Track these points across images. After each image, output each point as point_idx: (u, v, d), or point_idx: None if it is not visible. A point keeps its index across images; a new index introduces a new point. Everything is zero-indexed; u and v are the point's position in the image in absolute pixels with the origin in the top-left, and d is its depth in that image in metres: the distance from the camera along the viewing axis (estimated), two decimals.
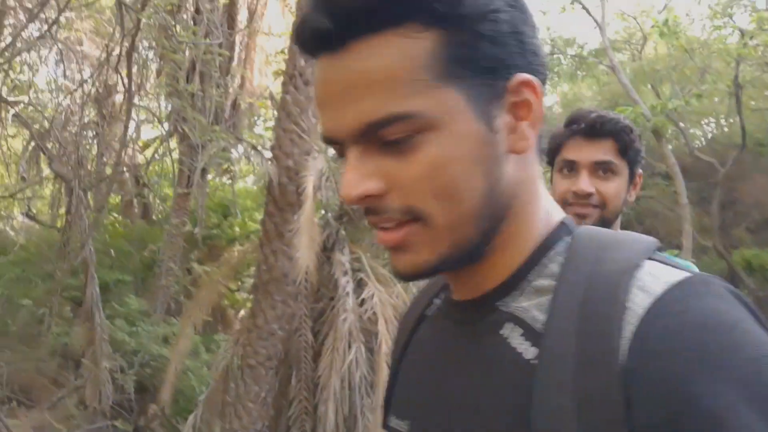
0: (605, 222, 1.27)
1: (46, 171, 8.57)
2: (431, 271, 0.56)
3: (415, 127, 0.50)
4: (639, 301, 0.48)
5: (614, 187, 1.28)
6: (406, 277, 0.57)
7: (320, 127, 0.57)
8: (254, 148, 6.99)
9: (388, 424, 0.68)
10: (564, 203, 1.27)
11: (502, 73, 0.53)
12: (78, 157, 7.32)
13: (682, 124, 9.09)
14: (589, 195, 1.26)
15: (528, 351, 0.52)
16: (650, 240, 0.57)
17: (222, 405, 4.79)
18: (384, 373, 4.20)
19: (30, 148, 8.20)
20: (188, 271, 7.89)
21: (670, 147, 7.80)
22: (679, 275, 0.50)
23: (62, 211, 8.74)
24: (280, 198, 4.93)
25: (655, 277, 0.49)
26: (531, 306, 0.54)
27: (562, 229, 0.59)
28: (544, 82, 0.56)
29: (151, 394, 6.08)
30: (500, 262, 0.57)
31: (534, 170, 0.59)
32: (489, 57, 0.52)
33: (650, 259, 0.53)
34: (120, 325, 6.09)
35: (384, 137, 0.51)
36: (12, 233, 8.69)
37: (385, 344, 4.26)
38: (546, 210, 0.60)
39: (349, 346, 4.38)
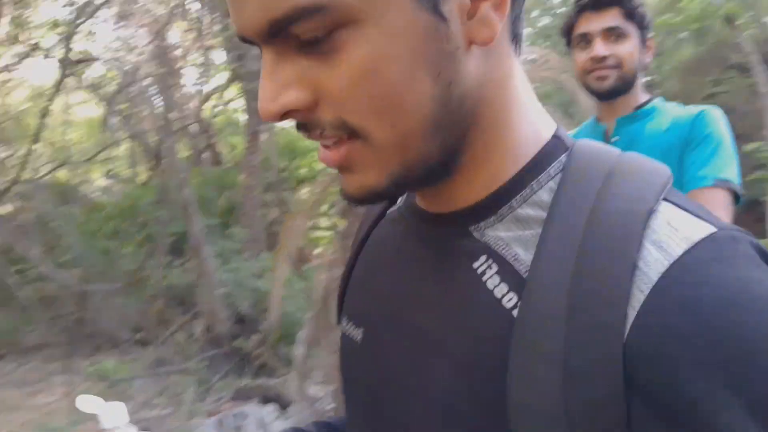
0: (625, 80, 1.45)
1: (117, 133, 8.94)
2: (386, 194, 0.47)
3: (332, 21, 0.40)
4: (653, 261, 0.39)
5: (626, 48, 1.43)
6: (356, 200, 0.48)
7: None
8: None
9: (342, 324, 0.62)
10: (585, 73, 1.46)
11: None
12: (152, 113, 7.65)
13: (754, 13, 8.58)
14: (604, 58, 1.42)
15: (507, 298, 0.44)
16: (665, 171, 0.46)
17: (325, 324, 5.11)
18: None
19: (103, 111, 8.55)
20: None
21: (744, 35, 7.41)
22: (702, 229, 0.41)
23: (139, 168, 9.21)
24: None
25: (674, 230, 0.41)
26: (512, 239, 0.46)
27: (555, 144, 0.49)
28: None
29: (253, 324, 6.51)
30: (476, 179, 0.49)
31: (509, 66, 0.48)
32: None
33: (666, 199, 0.43)
34: (217, 264, 6.49)
35: (298, 36, 0.41)
36: (95, 195, 9.17)
37: None
38: (532, 119, 0.50)
39: None
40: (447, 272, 0.50)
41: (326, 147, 0.46)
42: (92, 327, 6.85)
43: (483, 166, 0.48)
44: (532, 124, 0.50)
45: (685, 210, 0.43)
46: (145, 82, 8.20)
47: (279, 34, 0.41)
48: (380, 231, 0.62)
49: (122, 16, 7.79)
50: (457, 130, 0.46)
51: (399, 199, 0.61)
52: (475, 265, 0.47)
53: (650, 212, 0.41)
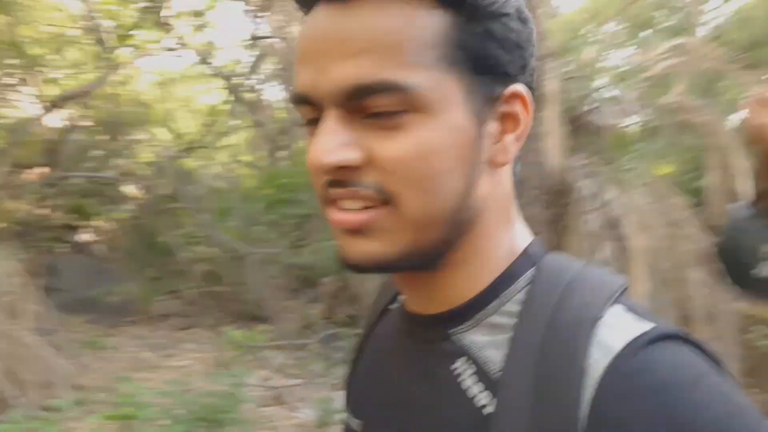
0: None
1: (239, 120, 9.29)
2: (386, 266, 0.51)
3: (407, 102, 0.47)
4: (596, 360, 0.45)
5: None
6: (357, 267, 0.51)
7: (296, 83, 0.50)
8: None
9: (346, 413, 0.68)
10: None
11: (501, 79, 0.51)
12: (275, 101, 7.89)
13: None
14: None
15: (480, 397, 0.50)
16: (618, 280, 0.52)
17: None
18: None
19: (228, 100, 8.89)
20: None
21: None
22: (639, 327, 0.46)
23: (260, 154, 9.49)
24: None
25: (614, 330, 0.46)
26: (486, 343, 0.52)
27: (525, 260, 0.55)
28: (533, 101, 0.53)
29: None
30: (458, 283, 0.55)
31: (507, 188, 0.56)
32: (494, 58, 0.50)
33: (616, 302, 0.49)
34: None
35: (370, 107, 0.47)
36: (215, 181, 9.53)
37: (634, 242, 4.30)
38: (513, 234, 0.57)
39: (593, 248, 4.47)
40: (429, 373, 0.55)
41: (346, 211, 0.50)
42: (221, 299, 7.17)
43: (465, 268, 0.54)
44: (510, 238, 0.56)
45: (631, 312, 0.48)
46: (270, 71, 8.47)
47: (353, 100, 0.47)
48: (383, 326, 0.68)
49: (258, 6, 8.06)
50: (460, 229, 0.52)
51: (399, 296, 0.65)
52: (452, 366, 0.53)
53: (596, 319, 0.47)
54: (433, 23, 0.47)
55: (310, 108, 0.50)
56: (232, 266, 7.11)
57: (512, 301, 0.53)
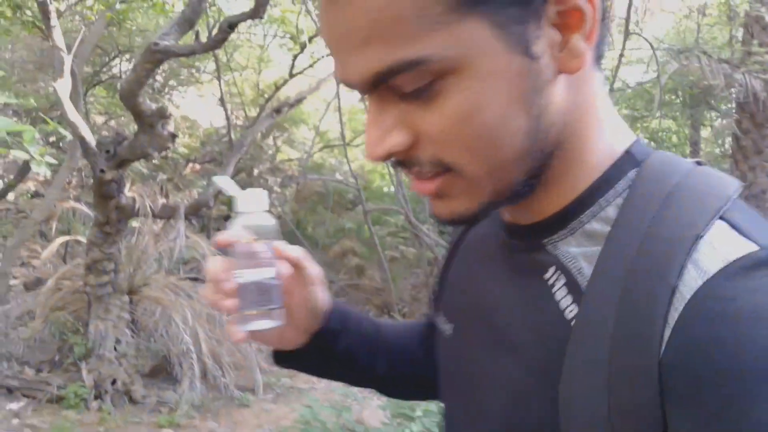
0: None
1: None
2: (474, 218, 0.51)
3: (431, 72, 0.43)
4: (690, 281, 0.41)
5: None
6: (447, 223, 0.52)
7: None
8: None
9: (437, 318, 0.67)
10: None
11: None
12: None
13: None
14: None
15: (569, 309, 0.48)
16: (729, 187, 0.46)
17: None
18: None
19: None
20: None
21: None
22: (742, 247, 0.42)
23: None
24: (759, 113, 5.03)
25: (714, 250, 0.42)
26: (579, 254, 0.49)
27: (626, 161, 0.51)
28: None
29: None
30: (554, 194, 0.51)
31: (592, 88, 0.50)
32: None
33: (723, 218, 0.44)
34: None
35: (399, 88, 0.44)
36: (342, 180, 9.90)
37: None
38: (609, 136, 0.51)
39: None
40: (523, 282, 0.53)
41: (419, 179, 0.49)
42: (367, 291, 7.50)
43: (560, 181, 0.50)
44: (607, 140, 0.51)
45: (737, 229, 0.43)
46: None
47: (381, 85, 0.44)
48: (474, 235, 0.66)
49: None
50: (542, 156, 0.48)
51: None
52: (546, 276, 0.50)
53: (697, 237, 0.42)
54: None
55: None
56: (376, 261, 7.39)
57: (611, 206, 0.49)
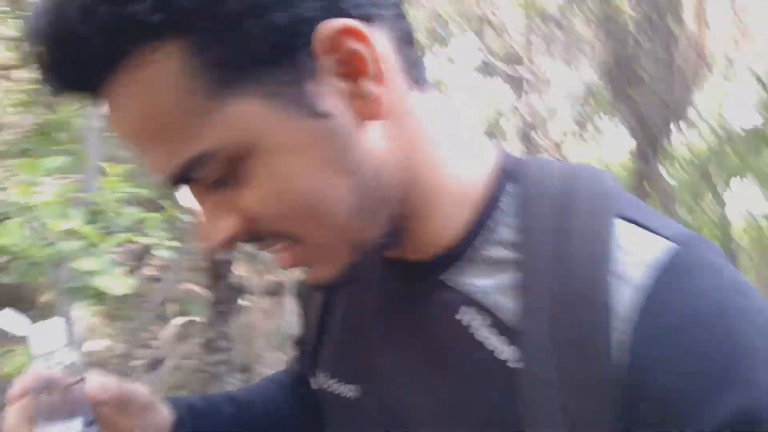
0: None
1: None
2: (348, 279, 0.49)
3: (225, 162, 0.41)
4: (621, 297, 0.40)
5: None
6: (323, 286, 0.52)
7: None
8: None
9: (321, 380, 0.62)
10: None
11: (294, 42, 0.40)
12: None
13: None
14: None
15: (502, 350, 0.45)
16: (607, 181, 0.47)
17: None
18: None
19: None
20: None
21: None
22: (653, 245, 0.42)
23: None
24: None
25: (630, 255, 0.42)
26: (489, 287, 0.47)
27: (500, 177, 0.49)
28: (368, 18, 0.42)
29: None
30: (432, 228, 0.49)
31: (414, 119, 0.46)
32: (258, 35, 0.39)
33: (618, 216, 0.44)
34: None
35: (205, 180, 0.43)
36: None
37: None
38: (466, 156, 0.49)
39: None
40: (433, 328, 0.50)
41: (274, 253, 0.47)
42: None
43: (433, 214, 0.49)
44: (467, 161, 0.49)
45: (637, 224, 0.44)
46: None
47: (185, 180, 0.43)
48: (349, 289, 0.60)
49: None
50: (390, 201, 0.46)
51: None
52: (458, 317, 0.48)
53: (605, 246, 0.42)
54: (169, 71, 0.39)
55: None
56: None
57: (501, 227, 0.48)
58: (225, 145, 0.41)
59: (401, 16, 0.45)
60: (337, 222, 0.44)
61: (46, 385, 0.50)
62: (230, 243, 0.45)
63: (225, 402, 0.71)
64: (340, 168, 0.43)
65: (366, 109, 0.43)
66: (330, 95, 0.42)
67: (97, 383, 0.53)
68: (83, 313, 5.06)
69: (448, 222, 0.49)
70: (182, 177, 0.43)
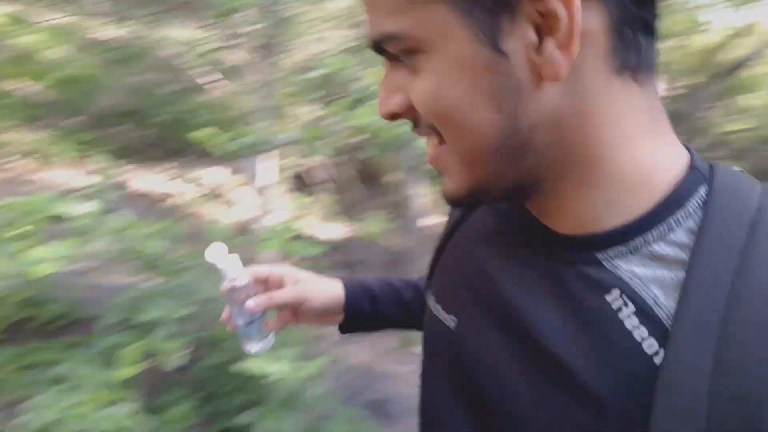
0: None
1: None
2: (463, 201, 0.52)
3: (407, 47, 0.46)
4: None
5: None
6: (446, 201, 0.53)
7: None
8: None
9: (431, 307, 0.64)
10: None
11: None
12: None
13: None
14: None
15: (648, 343, 0.43)
16: None
17: None
18: None
19: None
20: None
21: None
22: None
23: None
24: None
25: None
26: (649, 278, 0.45)
27: (693, 178, 0.47)
28: None
29: None
30: (591, 206, 0.48)
31: (603, 99, 0.45)
32: None
33: None
34: None
35: (393, 55, 0.49)
36: None
37: None
38: (662, 151, 0.48)
39: None
40: (574, 298, 0.48)
41: (425, 137, 0.52)
42: None
43: (595, 194, 0.47)
44: (658, 155, 0.47)
45: None
46: None
47: (380, 50, 0.49)
48: (479, 221, 0.62)
49: None
50: (533, 159, 0.46)
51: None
52: (609, 298, 0.46)
53: None
54: None
55: None
56: None
57: (681, 229, 0.45)
58: (413, 34, 0.44)
59: (643, 4, 0.44)
60: (475, 144, 0.46)
61: (232, 294, 0.82)
62: (395, 117, 0.51)
63: (381, 285, 0.90)
64: (496, 105, 0.44)
65: (542, 68, 0.43)
66: (517, 39, 0.43)
67: (263, 268, 0.87)
68: (424, 191, 5.00)
69: (615, 205, 0.47)
70: (377, 46, 0.48)
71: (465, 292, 0.59)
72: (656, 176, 0.47)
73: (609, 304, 0.46)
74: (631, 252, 0.47)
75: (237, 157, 2.98)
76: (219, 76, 4.41)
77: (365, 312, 0.87)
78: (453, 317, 0.60)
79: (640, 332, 0.44)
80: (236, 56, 4.13)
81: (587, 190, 0.48)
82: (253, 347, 0.86)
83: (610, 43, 0.44)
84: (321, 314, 0.86)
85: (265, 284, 0.86)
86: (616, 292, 0.46)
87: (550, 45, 0.42)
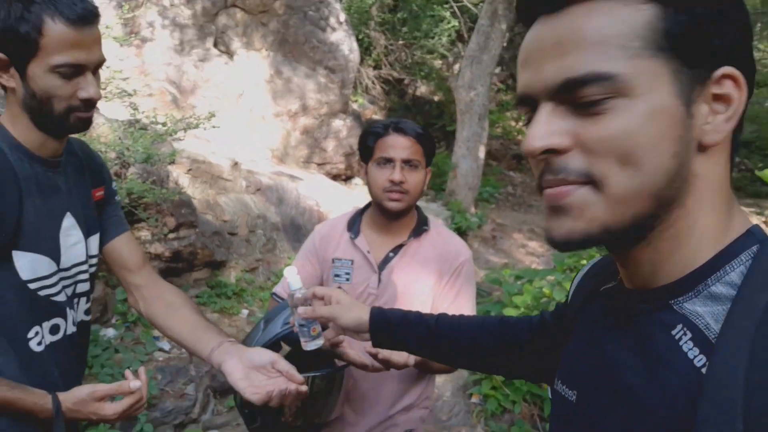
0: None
1: None
2: (586, 242, 0.56)
3: (612, 89, 0.51)
4: None
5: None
6: (558, 244, 0.57)
7: (518, 86, 0.58)
8: None
9: (556, 385, 0.72)
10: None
11: (710, 61, 0.52)
12: None
13: None
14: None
15: (698, 359, 0.52)
16: None
17: None
18: None
19: None
20: None
21: None
22: None
23: None
24: None
25: None
26: (705, 312, 0.54)
27: (749, 238, 0.56)
28: (751, 82, 0.54)
29: None
30: (674, 258, 0.56)
31: (720, 169, 0.56)
32: (701, 42, 0.52)
33: None
34: None
35: (579, 98, 0.52)
36: None
37: None
38: (731, 215, 0.57)
39: None
40: (649, 340, 0.57)
41: (559, 185, 0.55)
42: None
43: (682, 246, 0.56)
44: (729, 218, 0.57)
45: None
46: None
47: (563, 92, 0.53)
48: (595, 304, 0.71)
49: None
50: (663, 206, 0.54)
51: (613, 280, 0.69)
52: (673, 332, 0.55)
53: None
54: (639, 16, 0.51)
55: (527, 108, 0.58)
56: None
57: (735, 272, 0.54)
58: (626, 76, 0.51)
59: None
60: (643, 181, 0.52)
61: (292, 301, 1.21)
62: (547, 154, 0.55)
63: (410, 319, 1.09)
64: (674, 151, 0.52)
65: (708, 135, 0.53)
66: (701, 105, 0.53)
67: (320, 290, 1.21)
68: None
69: (692, 256, 0.56)
70: (571, 86, 0.52)
71: (582, 368, 0.68)
72: (719, 232, 0.57)
73: (672, 337, 0.56)
74: (695, 295, 0.56)
75: None
76: None
77: (386, 337, 1.10)
78: (574, 392, 0.68)
79: (693, 351, 0.53)
80: None
81: (680, 242, 0.57)
82: (306, 345, 1.23)
83: (736, 128, 0.55)
84: (351, 332, 1.14)
85: (321, 300, 1.20)
86: (679, 326, 0.56)
87: (720, 118, 0.53)
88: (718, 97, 0.53)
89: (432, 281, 1.69)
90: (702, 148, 0.54)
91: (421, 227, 1.74)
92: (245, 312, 4.63)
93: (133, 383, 1.23)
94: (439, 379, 3.78)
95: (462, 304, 1.68)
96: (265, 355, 1.25)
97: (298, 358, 1.35)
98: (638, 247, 0.58)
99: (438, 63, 11.94)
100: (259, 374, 1.23)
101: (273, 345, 1.39)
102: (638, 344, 0.59)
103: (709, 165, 0.55)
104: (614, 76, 0.51)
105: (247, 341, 1.44)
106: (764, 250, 0.54)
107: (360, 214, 1.80)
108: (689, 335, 0.54)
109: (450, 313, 1.51)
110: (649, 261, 0.58)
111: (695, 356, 0.53)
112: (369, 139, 1.69)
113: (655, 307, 0.58)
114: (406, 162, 1.64)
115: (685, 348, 0.54)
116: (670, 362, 0.54)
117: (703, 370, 0.51)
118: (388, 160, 1.64)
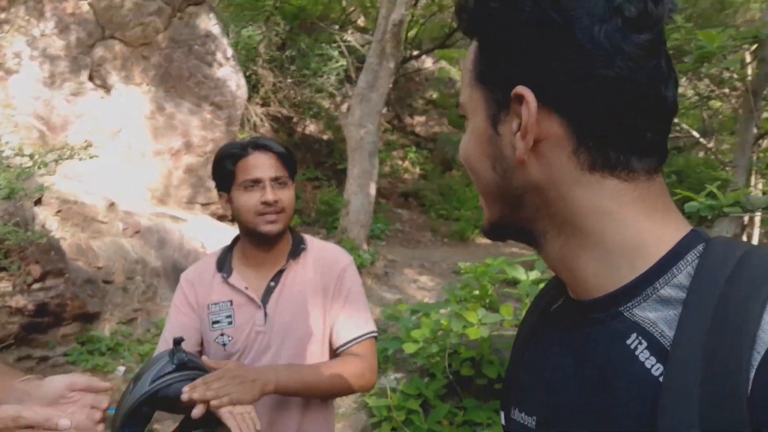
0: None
1: None
2: (491, 233, 0.68)
3: (463, 112, 0.65)
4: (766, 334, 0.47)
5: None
6: (483, 232, 0.71)
7: None
8: None
9: (511, 415, 0.72)
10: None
11: (504, 84, 0.58)
12: None
13: None
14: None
15: (655, 367, 0.52)
16: None
17: None
18: None
19: None
20: None
21: None
22: None
23: None
24: None
25: None
26: (658, 319, 0.54)
27: (693, 238, 0.57)
28: (562, 93, 0.56)
29: None
30: (600, 273, 0.58)
31: (574, 179, 0.57)
32: (492, 66, 0.60)
33: None
34: None
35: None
36: None
37: None
38: (664, 221, 0.58)
39: None
40: (604, 353, 0.57)
41: None
42: None
43: (603, 265, 0.58)
44: (643, 232, 0.57)
45: None
46: None
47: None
48: (544, 327, 0.71)
49: None
50: (528, 212, 0.61)
51: (561, 298, 0.69)
52: (628, 342, 0.55)
53: (760, 310, 0.48)
54: (472, 52, 0.63)
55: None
56: None
57: (683, 273, 0.54)
58: (463, 104, 0.65)
59: (622, 123, 0.56)
60: (481, 184, 0.64)
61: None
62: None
63: None
64: (490, 164, 0.62)
65: (517, 148, 0.58)
66: (506, 126, 0.59)
67: None
68: None
69: (618, 268, 0.57)
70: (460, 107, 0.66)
71: (538, 392, 0.66)
72: (645, 248, 0.57)
73: (628, 347, 0.55)
74: (644, 300, 0.56)
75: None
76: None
77: None
78: (533, 418, 0.67)
79: (650, 361, 0.53)
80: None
81: (588, 255, 0.59)
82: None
83: (573, 146, 0.57)
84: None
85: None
86: (633, 335, 0.55)
87: (517, 135, 0.58)
88: (517, 115, 0.58)
89: (320, 298, 1.61)
90: (521, 162, 0.58)
91: (298, 247, 1.66)
92: (122, 369, 4.26)
93: (62, 422, 0.95)
94: (338, 424, 3.69)
95: (354, 306, 1.62)
96: (58, 383, 1.09)
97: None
98: (550, 251, 0.62)
99: (326, 102, 12.13)
100: (63, 407, 1.08)
101: (149, 403, 1.25)
102: (594, 358, 0.59)
103: (548, 173, 0.58)
104: (460, 103, 0.65)
105: (119, 406, 1.29)
106: (709, 248, 0.55)
107: (229, 250, 1.68)
108: (645, 344, 0.54)
109: (344, 317, 1.57)
110: (577, 275, 0.61)
111: (652, 365, 0.53)
112: (227, 163, 1.59)
113: (608, 316, 0.58)
114: (275, 180, 1.56)
115: (641, 357, 0.54)
116: (628, 374, 0.54)
117: (662, 379, 0.51)
118: (256, 181, 1.55)
